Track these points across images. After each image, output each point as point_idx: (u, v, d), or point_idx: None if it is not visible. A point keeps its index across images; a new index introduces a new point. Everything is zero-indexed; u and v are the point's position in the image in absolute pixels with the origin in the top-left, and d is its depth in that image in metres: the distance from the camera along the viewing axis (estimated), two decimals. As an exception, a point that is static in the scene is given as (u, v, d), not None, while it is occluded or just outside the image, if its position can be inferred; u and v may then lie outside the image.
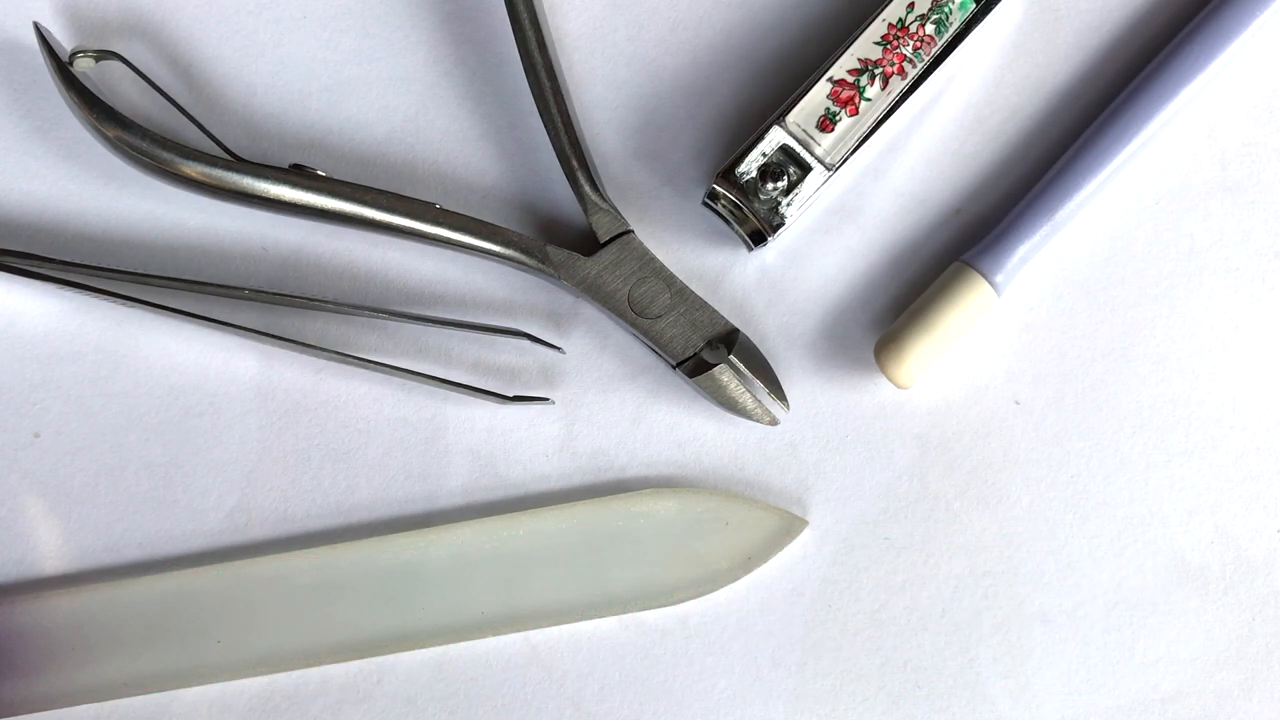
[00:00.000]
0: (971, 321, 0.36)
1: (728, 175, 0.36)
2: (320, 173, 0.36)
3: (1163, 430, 0.38)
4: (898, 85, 0.36)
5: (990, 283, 0.36)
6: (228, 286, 0.36)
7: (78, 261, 0.37)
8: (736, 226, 0.37)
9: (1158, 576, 0.37)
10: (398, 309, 0.38)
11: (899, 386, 0.36)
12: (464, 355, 0.38)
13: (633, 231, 0.37)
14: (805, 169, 0.36)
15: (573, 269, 0.36)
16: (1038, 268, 0.38)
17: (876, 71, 0.36)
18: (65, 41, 0.38)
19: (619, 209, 0.37)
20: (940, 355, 0.36)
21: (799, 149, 0.36)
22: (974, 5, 0.36)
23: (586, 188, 0.36)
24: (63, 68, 0.35)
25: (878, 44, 0.36)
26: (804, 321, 0.38)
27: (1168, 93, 0.36)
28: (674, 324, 0.37)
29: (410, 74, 0.38)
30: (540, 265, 0.36)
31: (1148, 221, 0.38)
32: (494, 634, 0.37)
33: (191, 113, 0.37)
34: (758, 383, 0.37)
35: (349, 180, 0.37)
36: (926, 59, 0.36)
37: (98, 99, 0.35)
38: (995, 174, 0.38)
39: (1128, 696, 0.37)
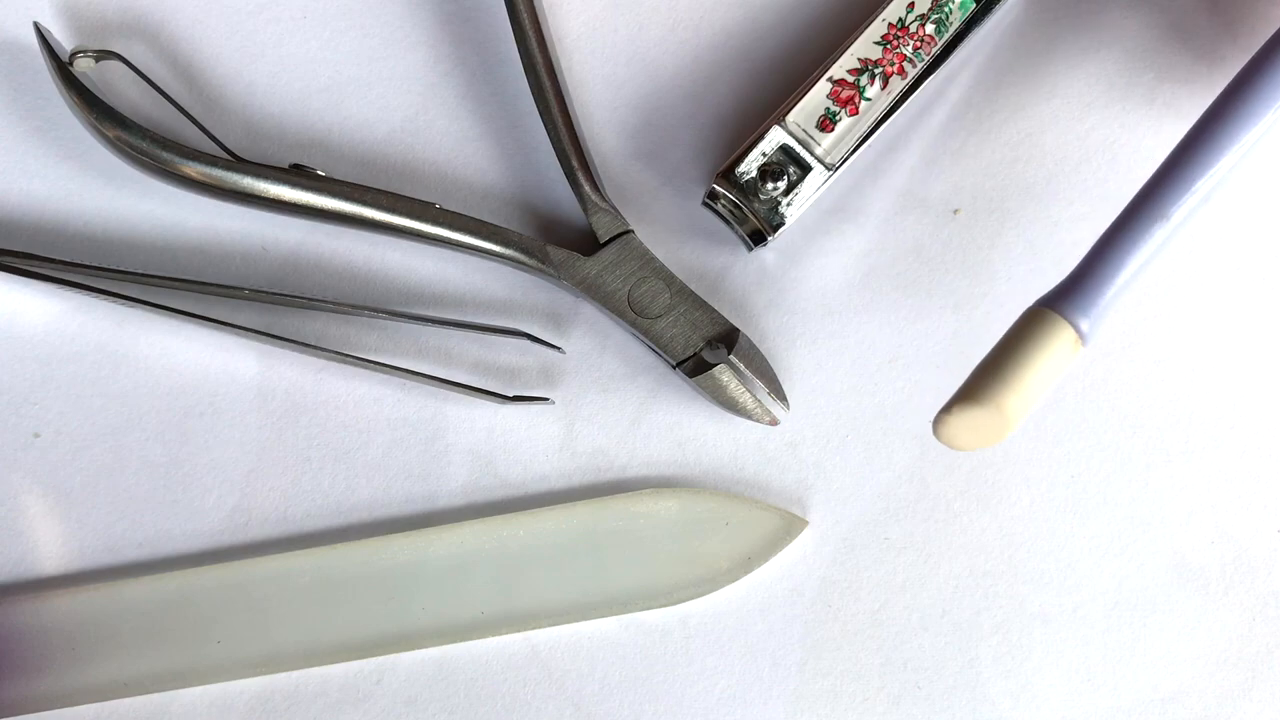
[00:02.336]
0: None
1: (728, 175, 0.36)
2: (320, 173, 0.36)
3: (1163, 430, 0.38)
4: (898, 85, 0.36)
5: (1078, 331, 0.29)
6: (228, 286, 0.36)
7: (78, 261, 0.37)
8: (736, 226, 0.37)
9: (1158, 576, 0.37)
10: (398, 309, 0.38)
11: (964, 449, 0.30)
12: (464, 355, 0.38)
13: (633, 231, 0.37)
14: (805, 169, 0.36)
15: (573, 269, 0.36)
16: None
17: (876, 71, 0.36)
18: (65, 41, 0.38)
19: (619, 209, 0.37)
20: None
21: (799, 149, 0.36)
22: (974, 5, 0.36)
23: (586, 188, 0.36)
24: (63, 68, 0.35)
25: (878, 44, 0.36)
26: (804, 321, 0.38)
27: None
28: (674, 324, 0.36)
29: (410, 74, 0.38)
30: (540, 265, 0.36)
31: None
32: (494, 634, 0.37)
33: (191, 113, 0.37)
34: (758, 383, 0.37)
35: (349, 180, 0.37)
36: (926, 59, 0.36)
37: (98, 99, 0.35)
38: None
39: (1128, 696, 0.37)
